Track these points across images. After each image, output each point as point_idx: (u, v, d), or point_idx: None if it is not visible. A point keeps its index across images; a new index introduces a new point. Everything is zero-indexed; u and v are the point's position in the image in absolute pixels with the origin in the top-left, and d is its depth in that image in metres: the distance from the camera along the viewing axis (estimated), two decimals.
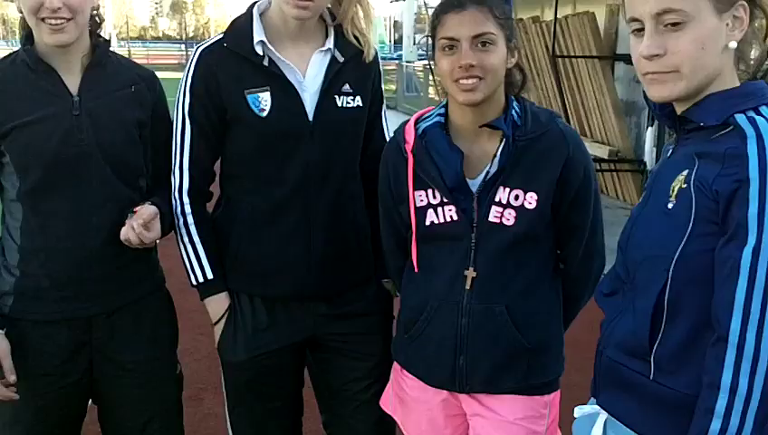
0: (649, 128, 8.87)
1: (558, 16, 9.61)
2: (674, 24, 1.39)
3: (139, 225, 1.98)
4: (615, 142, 9.34)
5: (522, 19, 11.48)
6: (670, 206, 1.43)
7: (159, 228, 2.08)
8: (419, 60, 22.99)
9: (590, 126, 10.00)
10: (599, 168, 9.18)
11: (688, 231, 1.38)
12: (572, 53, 9.85)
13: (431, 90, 17.66)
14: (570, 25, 9.94)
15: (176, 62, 45.47)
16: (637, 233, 1.54)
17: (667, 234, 1.42)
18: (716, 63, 1.42)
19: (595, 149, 9.30)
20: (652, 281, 1.44)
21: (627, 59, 9.57)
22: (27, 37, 2.09)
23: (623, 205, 8.94)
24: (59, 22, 1.98)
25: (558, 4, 9.33)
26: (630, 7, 1.44)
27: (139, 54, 53.43)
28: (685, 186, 1.40)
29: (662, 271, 1.42)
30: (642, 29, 1.43)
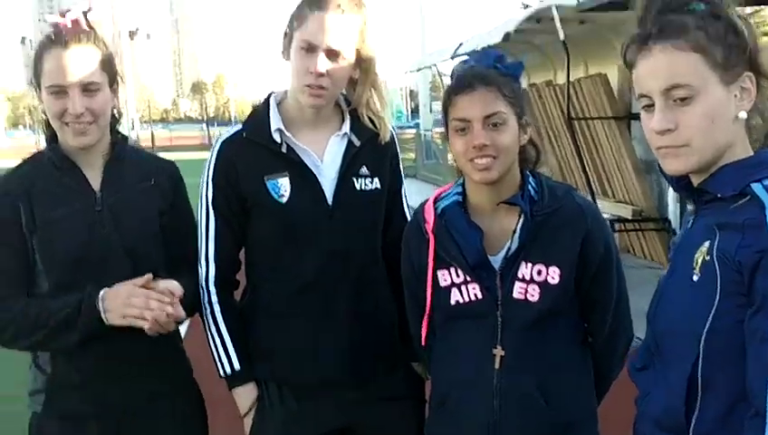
0: None
1: (571, 79, 9.69)
2: (683, 99, 1.40)
3: (168, 302, 1.98)
4: (638, 201, 9.31)
5: (535, 83, 11.61)
6: (695, 278, 1.42)
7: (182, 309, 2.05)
8: (436, 127, 23.27)
9: (611, 186, 9.99)
10: (623, 228, 9.14)
11: (716, 304, 1.37)
12: (588, 115, 9.90)
13: (450, 156, 17.77)
14: (583, 88, 10.02)
15: (197, 142, 46.37)
16: (664, 306, 1.53)
17: (694, 307, 1.41)
18: (728, 135, 1.43)
19: (618, 210, 9.28)
20: (684, 355, 1.42)
21: None
22: (52, 136, 2.15)
23: (650, 264, 8.86)
24: (82, 126, 2.06)
25: (570, 67, 9.42)
26: (639, 84, 1.46)
27: (162, 136, 54.53)
28: (708, 258, 1.40)
29: (693, 345, 1.40)
30: (652, 105, 1.44)
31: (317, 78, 2.08)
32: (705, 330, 1.38)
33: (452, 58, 11.86)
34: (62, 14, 2.09)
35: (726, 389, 1.39)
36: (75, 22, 2.09)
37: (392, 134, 2.32)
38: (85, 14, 2.11)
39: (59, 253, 2.08)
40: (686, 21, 1.41)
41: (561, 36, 8.78)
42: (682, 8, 1.43)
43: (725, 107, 1.41)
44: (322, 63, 2.07)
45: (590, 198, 8.99)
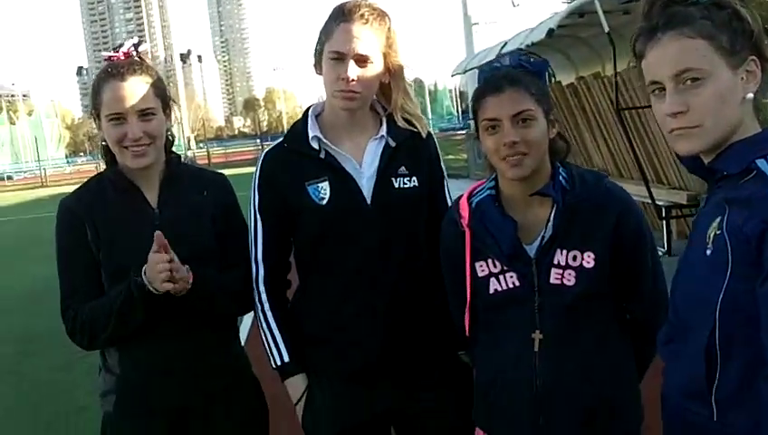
0: None
1: (618, 70, 9.66)
2: (693, 81, 1.49)
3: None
4: (692, 187, 9.22)
5: (583, 76, 11.59)
6: (708, 252, 1.50)
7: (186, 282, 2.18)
8: None
9: (665, 173, 9.92)
10: (680, 213, 9.07)
11: (728, 274, 1.45)
12: (636, 104, 9.84)
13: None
14: (631, 78, 9.94)
15: (252, 157, 47.13)
16: (681, 280, 1.61)
17: (708, 278, 1.49)
18: (736, 115, 1.51)
19: (673, 196, 9.21)
20: (701, 324, 1.50)
21: None
22: (112, 160, 2.33)
23: None
24: (140, 148, 2.23)
25: (617, 58, 9.38)
26: (650, 72, 1.55)
27: (217, 154, 55.32)
28: (719, 232, 1.48)
29: (709, 314, 1.48)
30: (663, 89, 1.53)
31: (348, 84, 2.22)
32: (719, 300, 1.46)
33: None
34: (116, 49, 2.29)
35: (744, 354, 1.46)
36: (127, 54, 2.30)
37: (429, 133, 2.44)
38: (136, 46, 2.30)
39: (120, 270, 2.23)
40: (691, 11, 1.51)
41: (606, 28, 8.77)
42: (686, 0, 1.53)
43: (733, 89, 1.49)
44: (352, 70, 2.21)
45: (644, 186, 8.96)
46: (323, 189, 2.29)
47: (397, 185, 2.32)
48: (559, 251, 2.01)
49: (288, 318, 2.38)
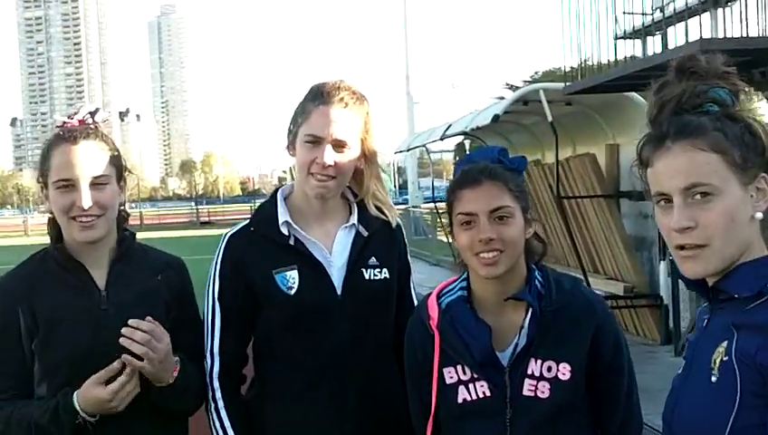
0: (662, 262, 8.87)
1: (559, 159, 9.81)
2: (702, 196, 1.41)
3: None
4: (629, 278, 9.32)
5: None
6: (714, 379, 1.40)
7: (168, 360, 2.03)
8: (425, 203, 23.41)
9: (601, 263, 10.01)
10: (615, 305, 9.11)
11: (736, 405, 1.35)
12: (576, 194, 9.98)
13: (439, 232, 17.87)
14: (572, 167, 10.13)
15: (186, 220, 46.53)
16: (682, 407, 1.50)
17: (714, 408, 1.39)
18: (745, 234, 1.44)
19: (609, 286, 9.27)
20: None
21: (631, 196, 9.70)
22: (57, 236, 2.14)
23: (644, 341, 8.85)
24: (89, 219, 2.04)
25: (558, 147, 9.55)
26: (657, 182, 1.47)
27: (150, 215, 54.50)
28: (726, 358, 1.38)
29: None
30: (669, 201, 1.45)
31: (323, 169, 2.11)
32: (727, 432, 1.36)
33: (441, 139, 12.04)
34: (70, 116, 2.12)
35: None
36: (82, 122, 2.13)
37: (399, 223, 2.35)
38: (92, 114, 2.14)
39: (60, 355, 2.04)
40: (703, 121, 1.44)
41: (549, 118, 8.94)
42: (696, 109, 1.46)
43: (744, 206, 1.42)
44: (329, 155, 2.11)
45: (581, 275, 9.00)
46: (292, 278, 2.15)
47: (367, 276, 2.21)
48: (533, 361, 1.89)
49: (243, 418, 2.20)
